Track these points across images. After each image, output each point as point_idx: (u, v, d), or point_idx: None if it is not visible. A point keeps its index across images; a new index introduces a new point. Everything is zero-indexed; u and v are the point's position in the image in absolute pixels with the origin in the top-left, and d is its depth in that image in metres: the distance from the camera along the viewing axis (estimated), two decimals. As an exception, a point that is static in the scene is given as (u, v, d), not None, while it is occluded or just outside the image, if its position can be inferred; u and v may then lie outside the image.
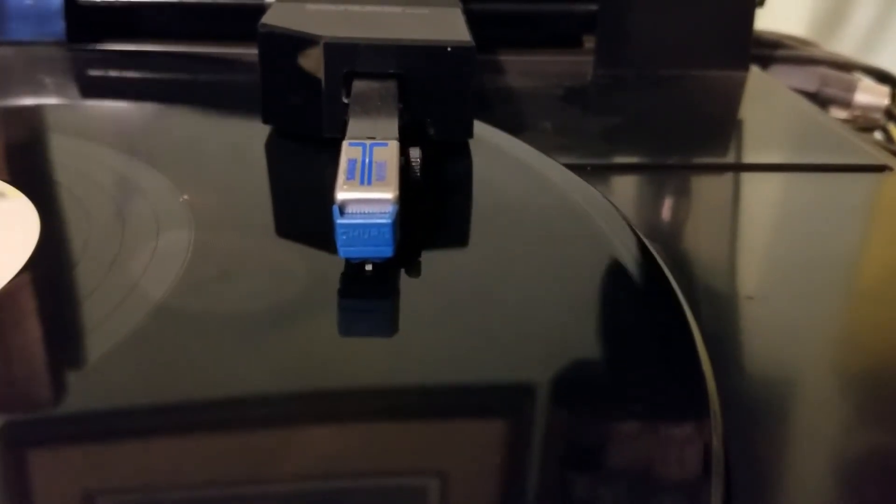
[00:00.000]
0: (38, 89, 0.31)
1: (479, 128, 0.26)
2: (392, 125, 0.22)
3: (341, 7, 0.27)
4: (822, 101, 0.40)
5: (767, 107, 0.35)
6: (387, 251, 0.18)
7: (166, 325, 0.17)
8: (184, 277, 0.19)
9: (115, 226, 0.21)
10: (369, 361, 0.17)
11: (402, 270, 0.19)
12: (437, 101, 0.25)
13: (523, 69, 0.37)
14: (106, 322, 0.17)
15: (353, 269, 0.19)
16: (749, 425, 0.17)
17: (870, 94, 0.39)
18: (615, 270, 0.20)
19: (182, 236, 0.20)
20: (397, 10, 0.27)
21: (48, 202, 0.21)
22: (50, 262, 0.19)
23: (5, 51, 0.35)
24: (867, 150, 0.30)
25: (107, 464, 0.14)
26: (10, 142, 0.26)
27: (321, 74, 0.24)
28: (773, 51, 0.42)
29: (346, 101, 0.24)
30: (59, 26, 0.35)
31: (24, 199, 0.21)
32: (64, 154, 0.25)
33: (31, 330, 0.17)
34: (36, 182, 0.23)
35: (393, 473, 0.15)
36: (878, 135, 0.40)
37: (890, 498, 0.16)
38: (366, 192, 0.18)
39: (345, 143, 0.20)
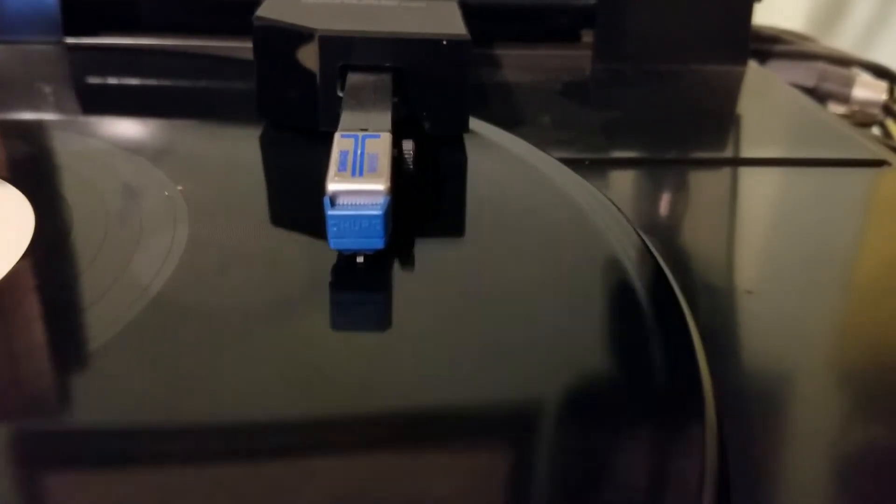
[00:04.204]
0: (35, 86, 0.31)
1: (473, 123, 0.25)
2: (385, 117, 0.21)
3: (336, 0, 0.27)
4: (820, 96, 0.40)
5: (766, 102, 0.35)
6: (378, 243, 0.18)
7: (157, 320, 0.17)
8: (175, 272, 0.19)
9: (107, 220, 0.21)
10: (359, 362, 0.17)
11: (394, 262, 0.19)
12: (433, 94, 0.24)
13: (521, 63, 0.37)
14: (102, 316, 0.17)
15: (344, 260, 0.19)
16: (747, 420, 0.17)
17: (868, 90, 0.39)
18: (610, 265, 0.20)
19: (176, 230, 0.20)
20: (393, 3, 0.27)
21: (41, 195, 0.21)
22: (45, 255, 0.19)
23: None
24: (865, 144, 0.30)
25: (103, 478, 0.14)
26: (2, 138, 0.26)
27: (316, 68, 0.24)
28: (771, 46, 0.42)
29: (341, 94, 0.23)
30: (55, 20, 0.35)
31: (16, 190, 0.21)
32: (57, 149, 0.25)
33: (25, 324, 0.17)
34: (29, 176, 0.23)
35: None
36: (875, 130, 0.40)
37: (888, 494, 0.16)
38: (357, 184, 0.18)
39: (337, 135, 0.20)
